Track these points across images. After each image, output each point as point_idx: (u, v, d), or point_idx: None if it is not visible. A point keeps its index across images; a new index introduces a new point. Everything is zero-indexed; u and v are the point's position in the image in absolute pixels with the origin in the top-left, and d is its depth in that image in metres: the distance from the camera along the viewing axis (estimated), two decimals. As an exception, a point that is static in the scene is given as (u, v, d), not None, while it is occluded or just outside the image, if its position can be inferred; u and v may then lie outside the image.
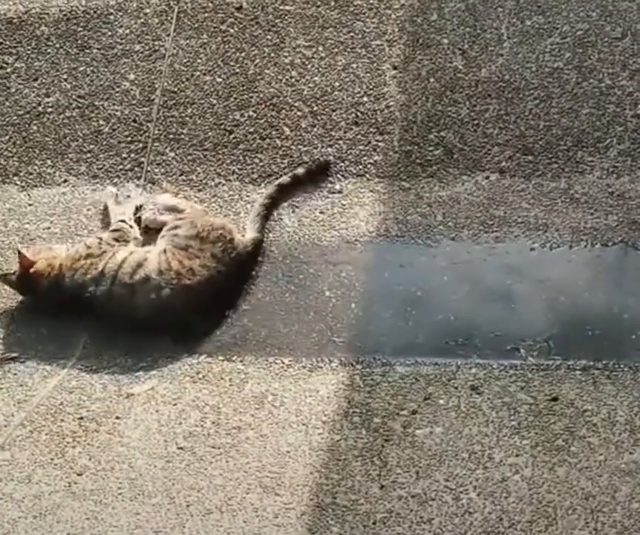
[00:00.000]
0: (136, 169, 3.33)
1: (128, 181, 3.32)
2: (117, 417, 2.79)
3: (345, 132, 3.24)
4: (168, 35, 3.47)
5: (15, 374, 2.96)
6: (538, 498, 2.44)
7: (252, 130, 3.30)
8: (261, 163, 3.25)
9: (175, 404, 2.80)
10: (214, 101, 3.37)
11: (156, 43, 3.48)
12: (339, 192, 3.16)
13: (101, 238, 3.06)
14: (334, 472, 2.57)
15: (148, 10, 3.54)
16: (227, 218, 3.12)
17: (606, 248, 2.91)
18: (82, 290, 2.97)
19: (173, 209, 3.12)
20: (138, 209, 3.17)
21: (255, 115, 3.32)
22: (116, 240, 3.05)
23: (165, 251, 2.97)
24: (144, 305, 2.92)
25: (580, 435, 2.55)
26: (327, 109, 3.28)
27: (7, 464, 2.73)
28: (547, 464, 2.50)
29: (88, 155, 3.38)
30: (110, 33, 3.52)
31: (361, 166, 3.19)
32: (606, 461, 2.48)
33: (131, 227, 3.10)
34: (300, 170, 3.16)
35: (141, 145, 3.36)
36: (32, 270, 3.00)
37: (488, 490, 2.47)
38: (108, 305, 2.96)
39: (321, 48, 3.37)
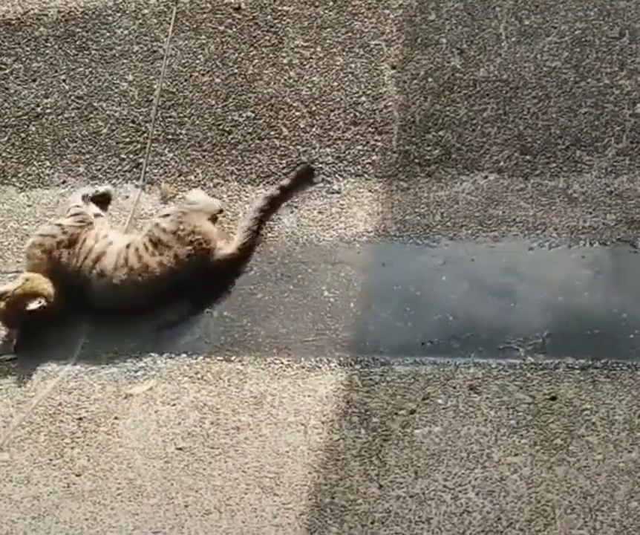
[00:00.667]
0: (134, 169, 3.33)
1: (126, 182, 3.32)
2: (116, 418, 2.80)
3: (344, 132, 3.24)
4: (167, 36, 3.47)
5: (14, 375, 2.97)
6: (537, 498, 2.44)
7: (250, 130, 3.31)
8: (260, 164, 3.25)
9: (174, 405, 2.80)
10: (213, 101, 3.37)
11: (154, 44, 3.48)
12: (338, 192, 3.16)
13: (61, 224, 3.10)
14: (333, 472, 2.57)
15: (146, 11, 3.54)
16: (221, 223, 3.12)
17: (605, 247, 2.91)
18: (67, 279, 3.02)
19: (192, 201, 3.13)
20: (85, 197, 3.21)
21: (253, 115, 3.32)
22: (81, 222, 3.09)
23: (128, 246, 3.00)
24: (99, 297, 2.99)
25: (578, 434, 2.55)
26: (325, 109, 3.28)
27: (6, 465, 2.74)
28: (546, 463, 2.50)
29: (87, 156, 3.38)
30: (108, 34, 3.53)
31: (359, 166, 3.19)
32: (604, 460, 2.49)
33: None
34: (285, 181, 3.17)
35: (140, 145, 3.36)
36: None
37: (486, 489, 2.47)
38: (80, 294, 3.01)
39: (319, 48, 3.37)
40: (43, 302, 2.96)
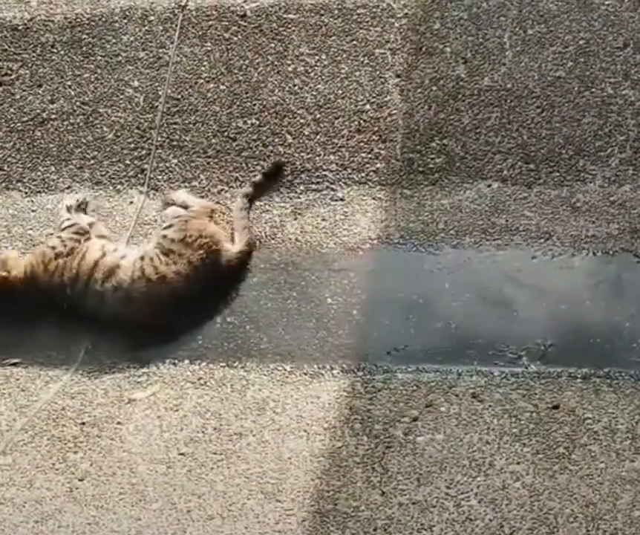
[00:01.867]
0: (139, 175, 3.34)
1: (131, 188, 3.33)
2: (119, 423, 2.80)
3: (348, 140, 3.25)
4: (172, 42, 3.49)
5: (17, 379, 2.97)
6: (539, 506, 2.44)
7: (255, 137, 3.32)
8: (264, 171, 3.26)
9: (177, 410, 2.81)
10: (218, 108, 3.38)
11: (160, 50, 3.49)
12: (341, 199, 3.17)
13: (60, 236, 3.11)
14: (335, 479, 2.57)
15: (152, 18, 3.55)
16: (224, 226, 3.13)
17: (608, 256, 2.91)
18: (60, 291, 3.02)
19: (183, 205, 3.15)
20: (70, 208, 3.21)
21: (258, 123, 3.33)
22: (77, 233, 3.10)
23: (142, 258, 3.00)
24: (113, 311, 2.97)
25: (581, 443, 2.55)
26: (329, 117, 3.29)
27: (9, 469, 2.74)
28: (548, 472, 2.50)
29: (92, 162, 3.39)
30: (114, 41, 3.54)
31: (363, 174, 3.19)
32: (607, 468, 2.49)
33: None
34: (258, 177, 3.20)
35: (144, 152, 3.37)
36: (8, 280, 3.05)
37: (489, 497, 2.47)
38: (82, 306, 3.01)
39: (324, 56, 3.38)
40: None
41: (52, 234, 3.21)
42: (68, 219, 3.17)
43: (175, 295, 2.97)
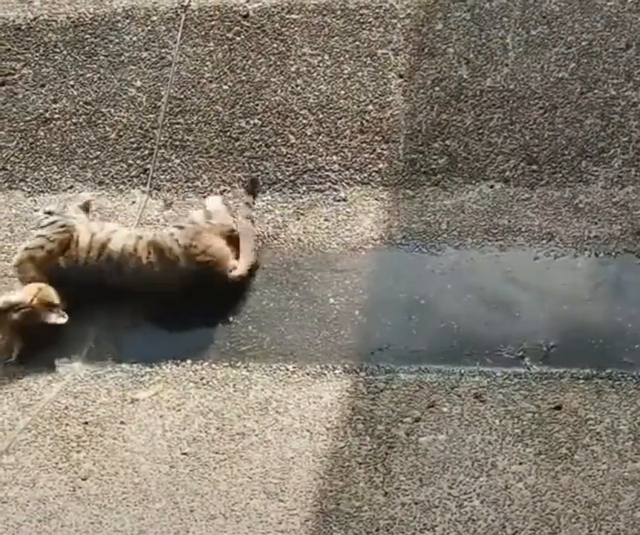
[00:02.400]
0: (141, 175, 3.35)
1: (133, 187, 3.34)
2: (122, 422, 2.80)
3: (350, 140, 3.25)
4: (175, 42, 3.49)
5: (20, 378, 2.98)
6: (541, 506, 2.44)
7: (257, 137, 3.32)
8: (266, 171, 3.27)
9: (179, 410, 2.81)
10: (220, 108, 3.39)
11: (163, 50, 3.50)
12: (344, 199, 3.18)
13: (44, 235, 3.06)
14: (338, 479, 2.57)
15: (155, 18, 3.56)
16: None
17: (610, 257, 2.92)
18: (66, 274, 3.02)
19: (207, 215, 3.09)
20: (50, 213, 3.16)
21: (260, 123, 3.34)
22: (63, 226, 3.05)
23: (141, 237, 3.00)
24: (110, 281, 2.99)
25: (583, 444, 2.55)
26: (332, 117, 3.30)
27: (12, 468, 2.74)
28: (550, 472, 2.50)
29: (94, 161, 3.39)
30: (117, 41, 3.54)
31: (366, 174, 3.20)
32: (609, 469, 2.49)
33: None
34: (248, 197, 3.14)
35: (147, 151, 3.37)
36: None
37: (491, 497, 2.48)
38: (85, 282, 3.01)
39: (326, 57, 3.38)
40: (63, 314, 2.94)
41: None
42: (46, 217, 3.11)
43: (164, 288, 2.99)
